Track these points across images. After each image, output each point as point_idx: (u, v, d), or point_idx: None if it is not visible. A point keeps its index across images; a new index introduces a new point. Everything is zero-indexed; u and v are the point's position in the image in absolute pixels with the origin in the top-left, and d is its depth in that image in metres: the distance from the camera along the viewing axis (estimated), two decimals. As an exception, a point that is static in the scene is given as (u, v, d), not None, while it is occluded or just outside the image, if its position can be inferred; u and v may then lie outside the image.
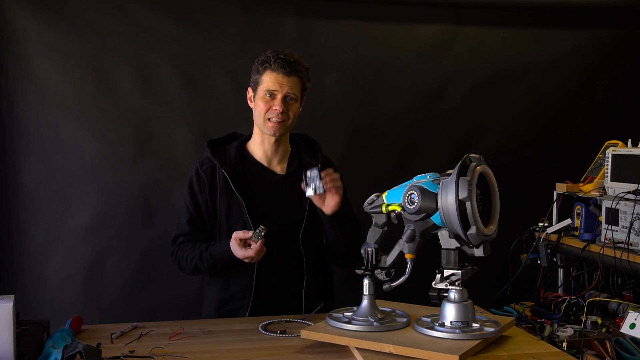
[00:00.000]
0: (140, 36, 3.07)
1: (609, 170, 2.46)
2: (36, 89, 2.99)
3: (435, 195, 1.64)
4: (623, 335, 1.92)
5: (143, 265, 3.10)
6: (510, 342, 1.74)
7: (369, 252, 1.81)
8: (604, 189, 2.51)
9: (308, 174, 1.99)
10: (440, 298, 1.72)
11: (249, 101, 2.23)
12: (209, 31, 3.14)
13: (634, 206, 2.24)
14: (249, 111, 2.23)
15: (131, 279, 3.09)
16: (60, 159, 3.03)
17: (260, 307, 2.16)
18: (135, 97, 3.08)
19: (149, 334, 1.90)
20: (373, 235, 1.82)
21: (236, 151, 2.23)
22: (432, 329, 1.69)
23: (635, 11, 3.50)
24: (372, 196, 1.82)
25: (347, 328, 1.74)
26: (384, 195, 1.80)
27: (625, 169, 2.40)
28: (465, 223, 1.60)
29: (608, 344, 1.86)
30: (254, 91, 2.18)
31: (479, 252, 1.67)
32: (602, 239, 2.39)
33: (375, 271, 1.81)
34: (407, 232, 1.71)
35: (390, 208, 1.77)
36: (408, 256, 1.73)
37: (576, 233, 2.58)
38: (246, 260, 2.04)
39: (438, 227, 1.69)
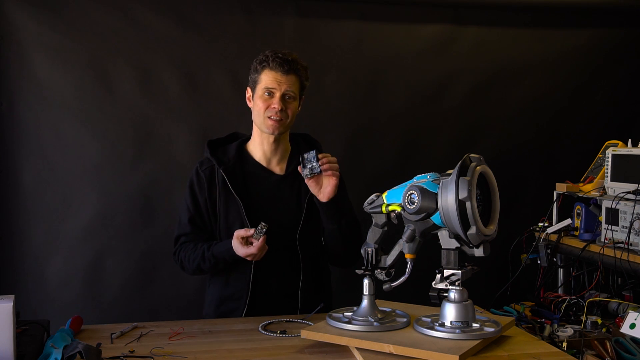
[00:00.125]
0: (140, 36, 3.07)
1: (609, 170, 2.46)
2: (36, 89, 2.99)
3: (435, 195, 1.64)
4: (623, 335, 1.92)
5: (143, 265, 3.10)
6: (510, 342, 1.74)
7: (369, 252, 1.81)
8: (604, 189, 2.51)
9: (305, 155, 2.04)
10: (440, 298, 1.72)
11: (247, 101, 2.23)
12: (209, 31, 3.14)
13: (634, 206, 2.24)
14: (249, 111, 2.23)
15: (131, 279, 3.09)
16: (60, 159, 3.03)
17: (257, 306, 2.16)
18: (135, 97, 3.08)
19: (149, 334, 1.90)
20: (373, 235, 1.82)
21: (235, 151, 2.23)
22: (432, 329, 1.69)
23: (635, 11, 3.50)
24: (372, 196, 1.82)
25: (347, 328, 1.74)
26: (384, 195, 1.79)
27: (625, 169, 2.40)
28: (465, 223, 1.60)
29: (608, 344, 1.86)
30: (253, 90, 2.19)
31: (479, 252, 1.67)
32: (602, 239, 2.39)
33: (375, 271, 1.81)
34: (407, 232, 1.71)
35: (390, 208, 1.77)
36: (408, 256, 1.73)
37: (576, 233, 2.58)
38: (248, 258, 2.04)
39: (438, 227, 1.69)
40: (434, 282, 1.72)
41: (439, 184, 1.65)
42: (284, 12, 3.21)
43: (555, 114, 3.53)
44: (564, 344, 1.88)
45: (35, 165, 3.00)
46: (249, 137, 2.28)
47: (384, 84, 3.35)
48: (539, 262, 2.61)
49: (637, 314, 1.94)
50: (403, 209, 1.71)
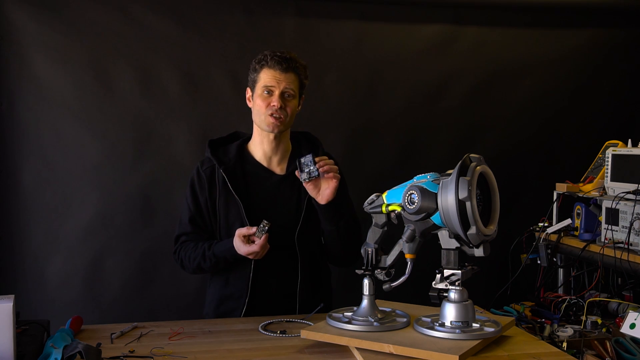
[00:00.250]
0: (140, 36, 3.07)
1: (609, 170, 2.46)
2: (36, 89, 2.99)
3: (435, 195, 1.64)
4: (623, 335, 1.92)
5: (143, 265, 3.10)
6: (510, 342, 1.74)
7: (369, 252, 1.81)
8: (604, 189, 2.52)
9: (302, 160, 2.03)
10: (440, 298, 1.72)
11: (247, 101, 2.23)
12: (209, 31, 3.14)
13: (634, 206, 2.24)
14: (249, 111, 2.23)
15: (131, 279, 3.09)
16: (60, 159, 3.03)
17: (257, 306, 2.16)
18: (135, 97, 3.08)
19: (149, 334, 1.90)
20: (373, 235, 1.82)
21: (236, 151, 2.23)
22: (432, 329, 1.69)
23: (635, 11, 3.50)
24: (372, 196, 1.82)
25: (347, 328, 1.74)
26: (384, 195, 1.79)
27: (625, 169, 2.40)
28: (465, 223, 1.60)
29: (608, 344, 1.86)
30: (252, 90, 2.19)
31: (479, 252, 1.67)
32: (602, 239, 2.39)
33: (375, 271, 1.81)
34: (407, 232, 1.71)
35: (390, 208, 1.77)
36: (408, 256, 1.73)
37: (576, 233, 2.58)
38: (250, 257, 2.04)
39: (438, 227, 1.69)
40: (434, 282, 1.72)
41: (439, 184, 1.65)
42: (284, 12, 3.21)
43: (555, 114, 3.53)
44: (564, 344, 1.88)
45: (35, 165, 3.00)
46: (250, 137, 2.28)
47: (384, 84, 3.35)
48: (539, 262, 2.61)
49: (637, 314, 1.94)
50: (403, 209, 1.71)
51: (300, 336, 1.76)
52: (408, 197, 1.69)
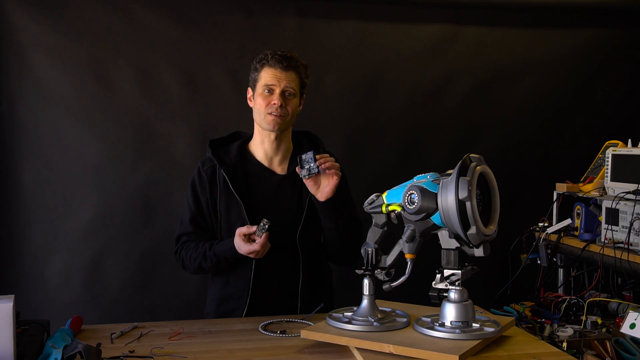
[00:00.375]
0: (140, 36, 3.07)
1: (609, 170, 2.46)
2: (36, 89, 2.99)
3: (435, 195, 1.64)
4: (623, 335, 1.92)
5: (143, 265, 3.10)
6: (510, 342, 1.74)
7: (369, 252, 1.81)
8: (604, 189, 2.51)
9: (303, 156, 2.03)
10: (440, 298, 1.72)
11: (248, 101, 2.23)
12: (209, 31, 3.14)
13: (634, 206, 2.24)
14: (249, 111, 2.23)
15: (131, 279, 3.09)
16: (60, 159, 3.03)
17: (258, 306, 2.16)
18: (135, 97, 3.08)
19: (149, 334, 1.90)
20: (373, 235, 1.82)
21: (237, 151, 2.23)
22: (432, 329, 1.69)
23: (635, 11, 3.50)
24: (372, 196, 1.82)
25: (347, 328, 1.74)
26: (384, 195, 1.80)
27: (625, 169, 2.40)
28: (465, 223, 1.60)
29: (608, 344, 1.86)
30: (253, 89, 2.19)
31: (479, 252, 1.67)
32: (602, 239, 2.39)
33: (375, 271, 1.81)
34: (407, 232, 1.71)
35: (390, 208, 1.77)
36: (408, 256, 1.73)
37: (576, 233, 2.58)
38: (251, 256, 2.04)
39: (438, 227, 1.69)
40: (434, 282, 1.72)
41: (439, 184, 1.65)
42: (284, 12, 3.21)
43: (555, 113, 3.53)
44: (564, 344, 1.88)
45: (35, 165, 3.00)
46: (250, 137, 2.28)
47: (384, 84, 3.35)
48: (539, 262, 2.61)
49: (637, 314, 1.94)
50: (403, 209, 1.71)
51: (300, 336, 1.76)
52: (408, 197, 1.69)
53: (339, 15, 3.27)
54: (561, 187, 2.71)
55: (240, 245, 2.04)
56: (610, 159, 2.47)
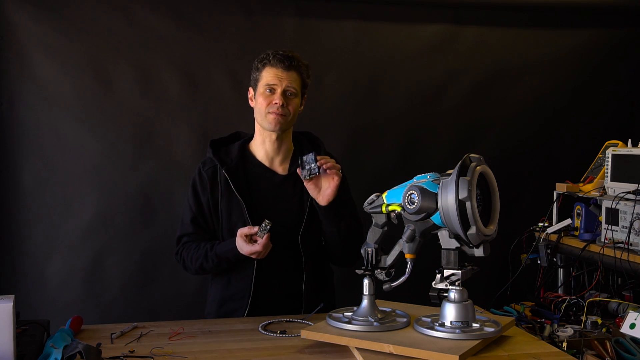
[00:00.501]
0: (140, 36, 3.07)
1: (609, 170, 2.46)
2: (36, 89, 2.99)
3: (435, 195, 1.64)
4: (623, 335, 1.92)
5: (143, 265, 3.10)
6: (510, 342, 1.74)
7: (369, 252, 1.81)
8: (604, 189, 2.51)
9: (304, 157, 2.03)
10: (440, 298, 1.72)
11: (250, 101, 2.23)
12: (209, 31, 3.14)
13: (634, 206, 2.24)
14: (249, 111, 2.23)
15: (131, 279, 3.09)
16: (60, 159, 3.03)
17: (260, 307, 2.16)
18: (135, 97, 3.08)
19: (149, 334, 1.90)
20: (373, 235, 1.82)
21: (238, 151, 2.23)
22: (432, 329, 1.69)
23: (635, 11, 3.50)
24: (372, 196, 1.82)
25: (347, 328, 1.74)
26: (384, 195, 1.80)
27: (625, 169, 2.40)
28: (465, 223, 1.60)
29: (608, 344, 1.86)
30: (254, 89, 2.19)
31: (479, 252, 1.67)
32: (602, 239, 2.39)
33: (375, 271, 1.81)
34: (407, 232, 1.71)
35: (390, 208, 1.77)
36: (408, 256, 1.73)
37: (576, 233, 2.58)
38: (253, 256, 2.04)
39: (438, 227, 1.69)
40: (434, 282, 1.72)
41: (439, 184, 1.65)
42: (284, 12, 3.21)
43: (555, 113, 3.53)
44: (564, 344, 1.88)
45: (35, 165, 3.00)
46: (251, 137, 2.27)
47: (384, 84, 3.35)
48: (539, 262, 2.61)
49: (637, 314, 1.94)
50: (403, 209, 1.71)
51: (300, 336, 1.76)
52: (408, 197, 1.69)
53: (339, 15, 3.27)
54: (561, 187, 2.71)
55: (242, 246, 2.03)
56: (610, 159, 2.47)
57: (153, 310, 3.09)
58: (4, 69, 2.95)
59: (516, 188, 3.44)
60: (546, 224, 2.67)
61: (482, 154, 1.71)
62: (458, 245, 1.68)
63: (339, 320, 1.78)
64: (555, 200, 2.72)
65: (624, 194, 2.31)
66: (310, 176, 2.02)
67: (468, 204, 1.58)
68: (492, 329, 1.70)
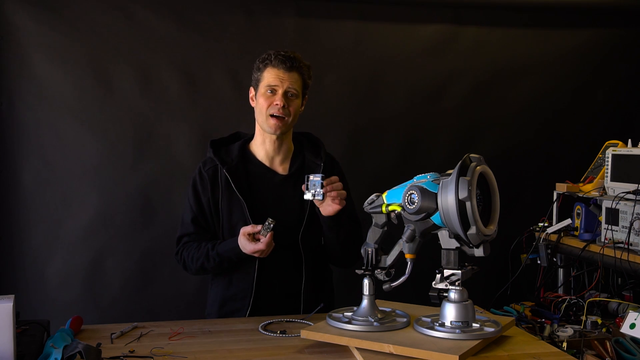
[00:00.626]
0: (140, 36, 3.07)
1: (609, 170, 2.46)
2: (36, 89, 2.99)
3: (435, 195, 1.64)
4: (623, 335, 1.92)
5: (143, 265, 3.10)
6: (510, 342, 1.74)
7: (369, 252, 1.81)
8: (604, 189, 2.51)
9: (311, 177, 2.00)
10: (440, 298, 1.72)
11: (250, 101, 2.23)
12: (209, 31, 3.14)
13: (634, 206, 2.24)
14: (250, 111, 2.23)
15: (131, 279, 3.09)
16: (60, 159, 3.03)
17: (261, 307, 2.16)
18: (135, 97, 3.08)
19: (149, 334, 1.90)
20: (373, 235, 1.82)
21: (238, 151, 2.23)
22: (432, 329, 1.69)
23: (635, 11, 3.50)
24: (372, 196, 1.82)
25: (347, 328, 1.74)
26: (384, 195, 1.80)
27: (625, 169, 2.40)
28: (465, 223, 1.60)
29: (608, 344, 1.86)
30: (255, 89, 2.19)
31: (479, 252, 1.67)
32: (602, 239, 2.39)
33: (375, 271, 1.81)
34: (407, 232, 1.71)
35: (390, 208, 1.77)
36: (408, 256, 1.73)
37: (576, 233, 2.58)
38: (256, 255, 2.04)
39: (438, 227, 1.69)
40: (434, 282, 1.72)
41: (439, 184, 1.65)
42: (284, 12, 3.21)
43: (555, 114, 3.53)
44: (564, 344, 1.88)
45: (35, 165, 3.00)
46: (251, 137, 2.27)
47: (384, 84, 3.35)
48: (539, 262, 2.61)
49: (637, 314, 1.94)
50: (403, 209, 1.71)
51: (300, 336, 1.76)
52: (408, 197, 1.69)
53: (339, 15, 3.27)
54: (561, 187, 2.71)
55: (245, 245, 2.03)
56: (610, 159, 2.47)
57: (153, 310, 3.09)
58: (4, 69, 2.95)
59: (516, 188, 3.44)
60: (546, 224, 2.67)
61: (482, 154, 1.71)
62: (458, 245, 1.68)
63: (339, 320, 1.78)
64: (555, 200, 2.72)
65: (624, 194, 2.31)
66: (314, 199, 2.00)
67: (468, 204, 1.58)
68: (492, 329, 1.70)
